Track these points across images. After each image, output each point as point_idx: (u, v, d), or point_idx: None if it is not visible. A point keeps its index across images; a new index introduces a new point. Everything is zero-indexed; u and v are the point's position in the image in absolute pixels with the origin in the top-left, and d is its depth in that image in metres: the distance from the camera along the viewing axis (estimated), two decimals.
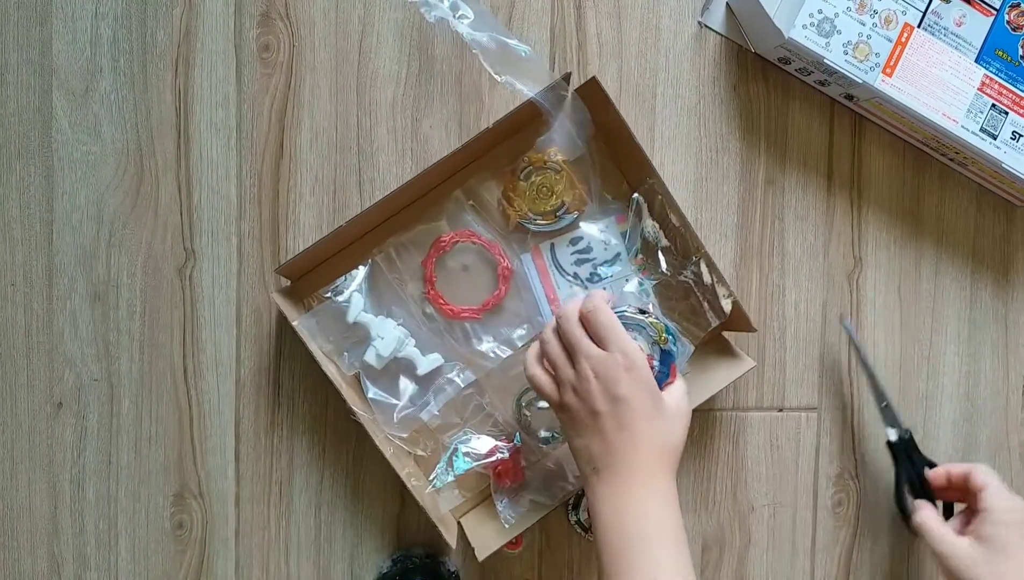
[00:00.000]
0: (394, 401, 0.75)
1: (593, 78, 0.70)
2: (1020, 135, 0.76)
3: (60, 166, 0.75)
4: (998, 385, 0.84)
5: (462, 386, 0.77)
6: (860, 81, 0.74)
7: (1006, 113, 0.76)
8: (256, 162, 0.76)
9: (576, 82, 0.76)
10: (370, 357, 0.74)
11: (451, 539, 0.72)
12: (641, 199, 0.75)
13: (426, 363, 0.76)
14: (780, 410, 0.82)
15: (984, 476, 0.73)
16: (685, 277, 0.75)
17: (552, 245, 0.78)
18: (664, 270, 0.76)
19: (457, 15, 0.70)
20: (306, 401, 0.78)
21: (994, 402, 0.84)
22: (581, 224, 0.77)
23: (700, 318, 0.76)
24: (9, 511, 0.76)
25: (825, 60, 0.73)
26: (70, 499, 0.77)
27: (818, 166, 0.82)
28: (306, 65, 0.76)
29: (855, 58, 0.74)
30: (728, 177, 0.81)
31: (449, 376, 0.77)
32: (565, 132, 0.75)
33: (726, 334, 0.79)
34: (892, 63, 0.74)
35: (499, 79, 0.70)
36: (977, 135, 0.75)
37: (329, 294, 0.74)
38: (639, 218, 0.76)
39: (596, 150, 0.77)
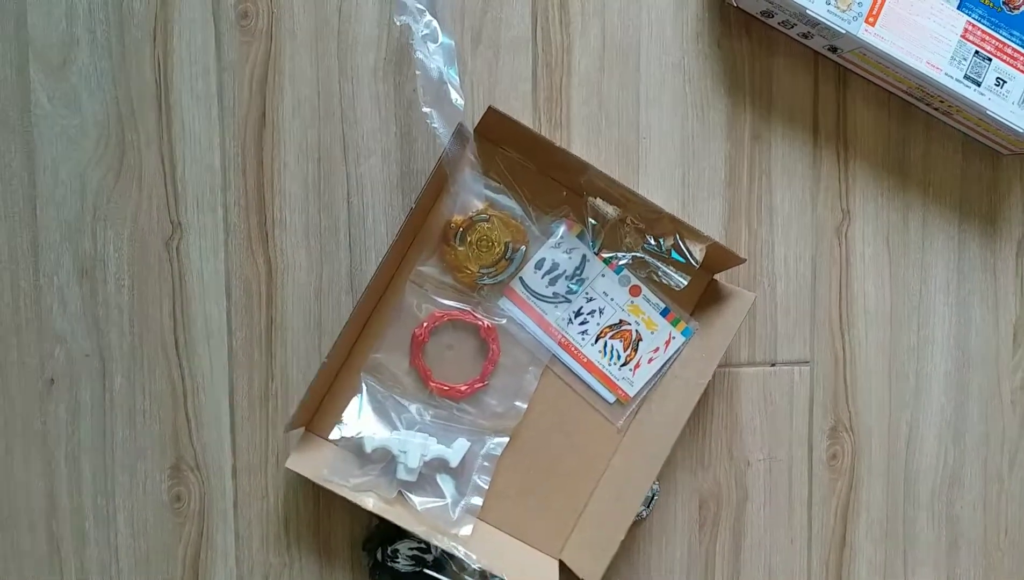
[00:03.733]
0: (443, 501, 0.75)
1: (489, 108, 0.68)
2: (1004, 81, 0.76)
3: (40, 141, 0.75)
4: (988, 333, 0.85)
5: (499, 453, 0.77)
6: (843, 31, 0.74)
7: (989, 60, 0.76)
8: (239, 132, 0.76)
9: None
10: (402, 474, 0.74)
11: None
12: (590, 198, 0.75)
13: (456, 453, 0.75)
14: (772, 365, 0.82)
15: None
16: (649, 246, 0.75)
17: (520, 278, 0.78)
18: (629, 244, 0.75)
19: (421, 35, 0.69)
20: (299, 370, 0.78)
21: (985, 350, 0.85)
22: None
23: (677, 274, 0.76)
24: (5, 490, 0.76)
25: (808, 11, 0.73)
26: (66, 476, 0.77)
27: (804, 120, 0.81)
28: (286, 32, 0.76)
29: (838, 8, 0.73)
30: (714, 134, 0.81)
31: (484, 452, 0.77)
32: (468, 185, 0.75)
33: (718, 278, 0.80)
34: (875, 12, 0.74)
35: (424, 109, 0.69)
36: (961, 82, 0.75)
37: (339, 438, 0.75)
38: (594, 214, 0.75)
39: (522, 173, 0.77)
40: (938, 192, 0.83)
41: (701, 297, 0.79)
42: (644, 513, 0.81)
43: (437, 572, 0.78)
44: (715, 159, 0.81)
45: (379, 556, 0.77)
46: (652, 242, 0.74)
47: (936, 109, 0.81)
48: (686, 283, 0.74)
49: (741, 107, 0.81)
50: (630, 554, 0.81)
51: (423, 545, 0.77)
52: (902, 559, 0.85)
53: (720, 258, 0.74)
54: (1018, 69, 0.76)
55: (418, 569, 0.77)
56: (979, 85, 0.76)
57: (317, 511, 0.78)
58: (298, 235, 0.77)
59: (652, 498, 0.81)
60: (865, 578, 0.85)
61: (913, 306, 0.84)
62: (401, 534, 0.77)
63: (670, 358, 0.79)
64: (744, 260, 0.73)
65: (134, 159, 0.75)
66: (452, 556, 0.78)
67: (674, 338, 0.79)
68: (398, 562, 0.77)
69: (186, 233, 0.76)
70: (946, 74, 0.75)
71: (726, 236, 0.80)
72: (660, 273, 0.75)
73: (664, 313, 0.78)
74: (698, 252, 0.72)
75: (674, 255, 0.73)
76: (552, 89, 0.79)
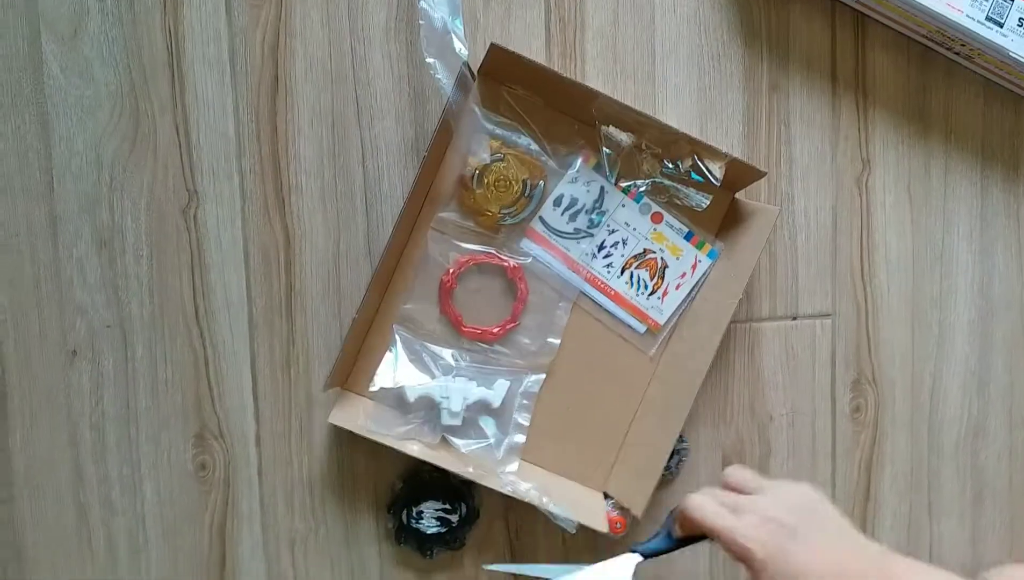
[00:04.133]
0: (486, 442, 0.76)
1: (492, 45, 0.68)
2: None
3: (55, 113, 0.74)
4: (1012, 280, 0.84)
5: (537, 390, 0.78)
6: None
7: None
8: (252, 97, 0.75)
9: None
10: (446, 419, 0.74)
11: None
12: (603, 126, 0.74)
13: (497, 394, 0.76)
14: (794, 318, 0.82)
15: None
16: (667, 169, 0.74)
17: (540, 217, 0.77)
18: (646, 170, 0.75)
19: None
20: (320, 335, 0.77)
21: (1009, 298, 0.84)
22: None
23: (698, 195, 0.75)
24: (33, 461, 0.77)
25: None
26: (91, 446, 0.77)
27: (822, 69, 0.80)
28: None
29: None
30: (732, 85, 0.80)
31: (523, 390, 0.77)
32: (478, 128, 0.74)
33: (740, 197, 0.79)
34: None
35: (427, 59, 0.68)
36: (983, 24, 0.74)
37: (377, 389, 0.75)
38: (607, 143, 0.74)
39: (532, 110, 0.76)
40: (960, 138, 0.82)
41: (724, 218, 0.78)
42: (674, 470, 0.81)
43: (463, 532, 0.78)
44: (733, 110, 0.80)
45: (404, 518, 0.77)
46: (670, 165, 0.73)
47: (957, 53, 0.79)
48: (708, 203, 0.74)
49: (758, 57, 0.80)
50: (653, 511, 0.81)
51: (448, 506, 0.78)
52: (927, 511, 0.85)
53: (740, 174, 0.73)
54: None
55: (443, 530, 0.77)
56: (1001, 26, 0.74)
57: (341, 476, 0.79)
58: (314, 200, 0.77)
59: (680, 458, 0.80)
60: (890, 530, 0.84)
61: (936, 255, 0.83)
62: (426, 495, 0.77)
63: (698, 282, 0.78)
64: (765, 173, 0.72)
65: (148, 128, 0.75)
66: (475, 520, 0.79)
67: (700, 261, 0.78)
68: (423, 523, 0.77)
69: (203, 201, 0.76)
70: (967, 15, 0.74)
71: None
72: (681, 195, 0.74)
73: (688, 237, 0.78)
74: (717, 169, 0.71)
75: (693, 176, 0.72)
76: (566, 44, 0.78)
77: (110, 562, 0.78)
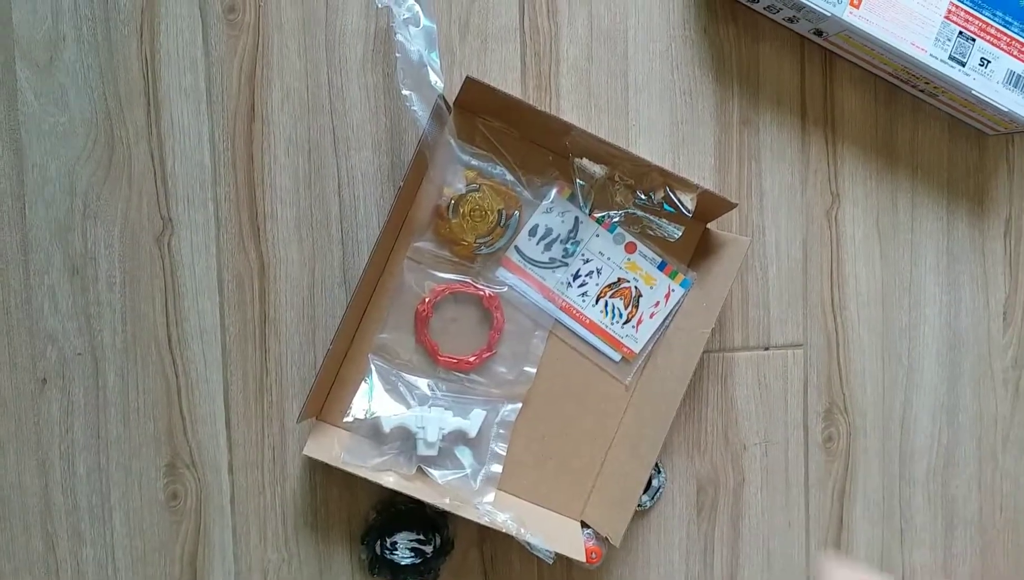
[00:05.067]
0: (463, 472, 0.76)
1: (467, 79, 0.69)
2: (988, 61, 0.76)
3: (28, 139, 0.74)
4: (979, 313, 0.85)
5: (514, 419, 0.78)
6: (828, 14, 0.74)
7: (973, 40, 0.76)
8: (228, 126, 0.76)
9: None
10: (422, 450, 0.74)
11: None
12: (576, 158, 0.75)
13: (473, 424, 0.76)
14: (766, 349, 0.83)
15: None
16: (640, 200, 0.75)
17: (516, 247, 0.78)
18: (620, 201, 0.75)
19: (403, 18, 0.68)
20: (294, 364, 0.77)
21: (976, 330, 0.85)
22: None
23: (670, 225, 0.76)
24: (0, 490, 0.75)
25: None
26: (60, 475, 0.76)
27: (791, 105, 0.82)
28: (273, 24, 0.76)
29: None
30: (703, 120, 0.81)
31: (499, 420, 0.77)
32: (453, 159, 0.75)
33: (712, 227, 0.80)
34: None
35: (403, 91, 0.69)
36: (946, 63, 0.76)
37: (352, 421, 0.75)
38: (581, 174, 0.75)
39: (507, 142, 0.77)
40: (926, 174, 0.84)
41: (697, 248, 0.80)
42: (648, 504, 0.81)
43: (437, 563, 0.78)
44: (704, 144, 0.81)
45: (378, 549, 0.77)
46: (643, 197, 0.74)
47: (922, 91, 0.81)
48: (680, 234, 0.75)
49: (729, 93, 0.81)
50: (629, 541, 0.82)
51: (422, 536, 0.77)
52: (899, 539, 0.86)
53: (711, 206, 0.74)
54: (1001, 49, 0.76)
55: (418, 560, 0.77)
56: (964, 65, 0.76)
57: (315, 506, 0.78)
58: (290, 229, 0.77)
59: (658, 489, 0.81)
60: (863, 559, 0.85)
61: (904, 287, 0.84)
62: (400, 526, 0.77)
63: (671, 311, 0.79)
64: (736, 205, 0.73)
65: (123, 155, 0.75)
66: (450, 551, 0.78)
67: (673, 290, 0.79)
68: (396, 554, 0.76)
69: (177, 229, 0.76)
70: (931, 55, 0.76)
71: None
72: (654, 226, 0.75)
73: (661, 267, 0.79)
74: (689, 201, 0.72)
75: (666, 207, 0.73)
76: (541, 77, 0.79)
77: None
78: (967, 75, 0.76)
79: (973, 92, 0.76)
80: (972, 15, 0.76)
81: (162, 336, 0.76)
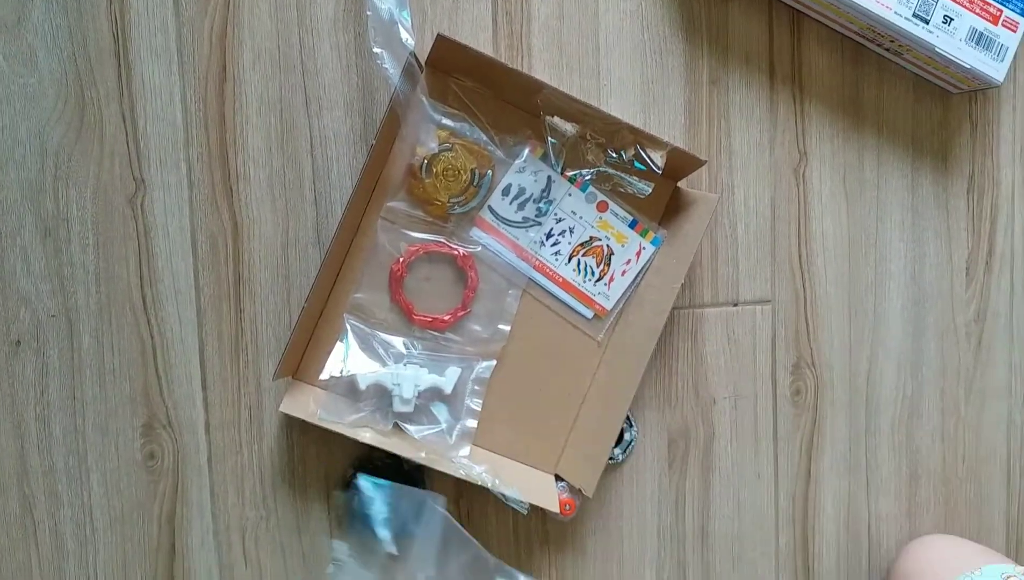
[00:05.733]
0: (439, 427, 0.77)
1: (438, 36, 0.69)
2: (951, 19, 0.78)
3: None
4: (943, 268, 0.87)
5: (489, 376, 0.79)
6: None
7: None
8: (200, 86, 0.76)
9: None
10: (398, 406, 0.75)
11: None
12: (547, 117, 0.75)
13: (448, 380, 0.76)
14: (735, 305, 0.84)
15: None
16: (611, 158, 0.76)
17: (489, 207, 0.78)
18: (591, 160, 0.76)
19: None
20: (269, 324, 0.78)
21: (940, 285, 0.87)
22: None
23: (641, 182, 0.77)
24: None
25: None
26: (36, 437, 0.76)
27: (760, 64, 0.83)
28: None
29: None
30: (673, 79, 0.82)
31: (474, 377, 0.78)
32: (425, 118, 0.75)
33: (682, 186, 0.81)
34: None
35: (374, 48, 0.69)
36: (910, 20, 0.77)
37: (328, 378, 0.76)
38: (552, 133, 0.76)
39: (479, 100, 0.77)
40: (891, 132, 0.86)
41: (667, 206, 0.81)
42: (620, 457, 0.82)
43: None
44: (675, 103, 0.82)
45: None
46: (614, 155, 0.75)
47: (887, 49, 0.83)
48: (650, 190, 0.76)
49: (699, 52, 0.82)
50: (602, 494, 0.83)
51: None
52: (865, 490, 0.88)
53: (681, 163, 0.76)
54: (964, 7, 0.78)
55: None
56: (927, 23, 0.78)
57: (292, 464, 0.79)
58: (263, 189, 0.77)
59: (630, 443, 0.82)
60: (831, 510, 0.87)
61: (870, 243, 0.86)
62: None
63: (643, 268, 0.80)
64: (705, 161, 0.74)
65: (94, 116, 0.75)
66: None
67: (644, 248, 0.80)
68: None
69: (150, 190, 0.76)
70: (896, 12, 0.77)
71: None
72: (625, 183, 0.76)
73: (632, 225, 0.80)
74: (659, 158, 0.73)
75: (636, 165, 0.74)
76: (512, 37, 0.79)
77: (56, 554, 0.77)
78: (930, 32, 0.78)
79: (936, 49, 0.78)
80: None
81: (136, 297, 0.77)
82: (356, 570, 0.76)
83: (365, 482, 0.74)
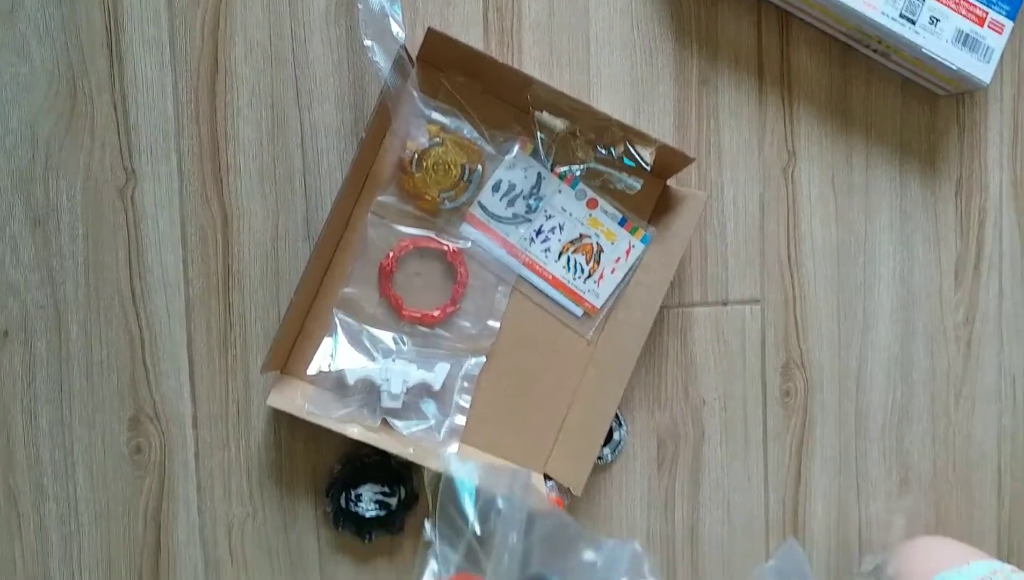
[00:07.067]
0: (427, 423, 0.77)
1: (428, 30, 0.69)
2: (937, 20, 0.79)
3: None
4: (931, 271, 0.88)
5: (477, 373, 0.79)
6: None
7: None
8: (192, 78, 0.76)
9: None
10: (387, 402, 0.75)
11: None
12: (536, 112, 0.75)
13: (437, 376, 0.76)
14: (724, 304, 0.84)
15: None
16: (600, 154, 0.76)
17: (479, 202, 0.79)
18: (580, 156, 0.77)
19: None
20: (258, 319, 0.78)
21: (928, 287, 0.88)
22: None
23: (630, 178, 0.78)
24: None
25: None
26: (22, 429, 0.76)
27: (749, 64, 0.84)
28: None
29: None
30: (663, 78, 0.83)
31: (463, 373, 0.78)
32: (416, 112, 0.75)
33: (671, 184, 0.81)
34: None
35: (365, 41, 0.70)
36: (897, 21, 0.78)
37: (316, 372, 0.76)
38: (542, 128, 0.76)
39: (470, 95, 0.77)
40: (879, 133, 0.86)
41: (656, 205, 0.81)
42: (610, 457, 0.82)
43: (402, 516, 0.78)
44: (664, 102, 0.82)
45: (342, 502, 0.77)
46: (603, 151, 0.76)
47: (875, 51, 0.83)
48: (640, 186, 0.76)
49: (688, 52, 0.83)
50: (591, 495, 0.83)
51: (387, 489, 0.78)
52: (855, 494, 0.87)
53: (670, 161, 0.76)
54: (950, 8, 0.79)
55: (382, 513, 0.77)
56: (914, 24, 0.78)
57: (279, 459, 0.79)
58: (253, 182, 0.77)
59: (620, 442, 0.82)
60: (821, 513, 0.87)
61: (859, 245, 0.86)
62: (365, 478, 0.78)
63: (632, 266, 0.80)
64: (694, 159, 0.74)
65: (86, 107, 0.75)
66: (415, 504, 0.79)
67: (634, 246, 0.80)
68: (361, 506, 0.77)
69: (140, 181, 0.76)
70: (883, 13, 0.78)
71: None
72: (614, 179, 0.77)
73: (622, 222, 0.80)
74: (648, 155, 0.74)
75: (626, 161, 0.75)
76: (503, 33, 0.80)
77: (41, 548, 0.76)
78: (917, 33, 0.78)
79: (922, 50, 0.79)
80: None
81: (125, 289, 0.76)
82: (444, 550, 0.75)
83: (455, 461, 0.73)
